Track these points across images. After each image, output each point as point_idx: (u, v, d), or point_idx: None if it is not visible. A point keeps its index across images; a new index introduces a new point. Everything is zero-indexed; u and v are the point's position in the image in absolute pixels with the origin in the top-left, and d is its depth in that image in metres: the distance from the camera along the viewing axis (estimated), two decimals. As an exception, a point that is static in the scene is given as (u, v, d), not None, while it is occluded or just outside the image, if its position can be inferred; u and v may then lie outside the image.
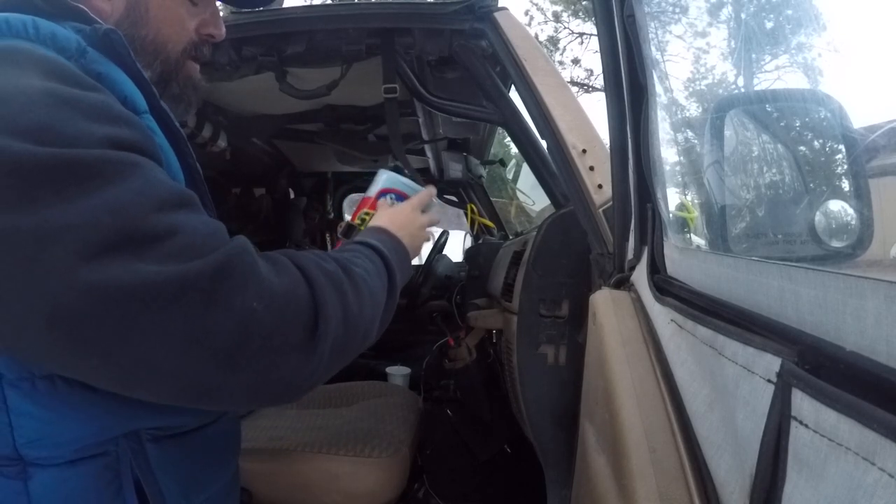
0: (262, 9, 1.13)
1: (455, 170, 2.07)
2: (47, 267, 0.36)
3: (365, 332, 0.52)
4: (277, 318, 0.42)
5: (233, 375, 0.41)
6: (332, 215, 3.10)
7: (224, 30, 0.67)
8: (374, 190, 0.85)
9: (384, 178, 0.86)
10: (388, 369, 2.19)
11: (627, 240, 0.79)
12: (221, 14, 0.68)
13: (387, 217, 0.75)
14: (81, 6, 0.52)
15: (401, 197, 0.85)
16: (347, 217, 0.86)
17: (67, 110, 0.40)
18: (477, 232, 2.44)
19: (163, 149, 0.50)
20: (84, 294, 0.37)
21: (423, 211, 0.82)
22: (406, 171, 0.89)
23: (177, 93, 0.63)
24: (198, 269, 0.39)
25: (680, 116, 0.90)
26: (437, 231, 2.45)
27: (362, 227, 0.78)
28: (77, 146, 0.39)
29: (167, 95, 0.61)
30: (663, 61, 0.73)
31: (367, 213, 0.83)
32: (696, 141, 0.84)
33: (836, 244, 0.63)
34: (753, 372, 0.34)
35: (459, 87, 1.35)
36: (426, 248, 2.25)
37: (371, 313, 0.54)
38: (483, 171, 2.34)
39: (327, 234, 3.09)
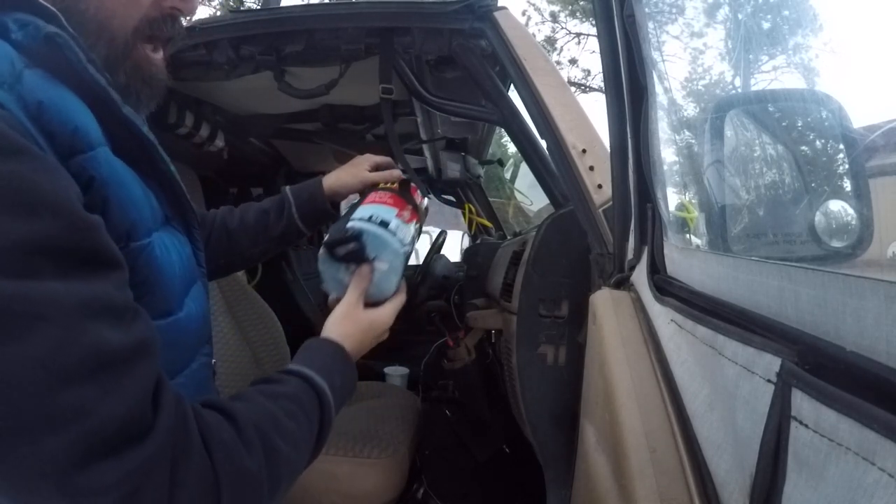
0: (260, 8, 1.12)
1: (453, 169, 2.07)
2: None
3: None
4: None
5: None
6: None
7: (195, 4, 0.55)
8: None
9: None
10: (387, 370, 2.19)
11: (627, 240, 0.79)
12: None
13: (351, 324, 0.65)
14: None
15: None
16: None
17: None
18: (475, 232, 2.44)
19: (121, 185, 0.44)
20: None
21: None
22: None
23: (123, 83, 0.51)
24: (97, 482, 0.33)
25: (680, 116, 0.90)
26: (435, 231, 2.45)
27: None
28: None
29: (113, 86, 0.49)
30: (663, 61, 0.73)
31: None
32: (695, 141, 0.84)
33: (835, 244, 0.63)
34: (753, 372, 0.34)
35: (458, 86, 1.35)
36: (425, 249, 2.25)
37: (287, 481, 0.48)
38: (481, 171, 2.34)
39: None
